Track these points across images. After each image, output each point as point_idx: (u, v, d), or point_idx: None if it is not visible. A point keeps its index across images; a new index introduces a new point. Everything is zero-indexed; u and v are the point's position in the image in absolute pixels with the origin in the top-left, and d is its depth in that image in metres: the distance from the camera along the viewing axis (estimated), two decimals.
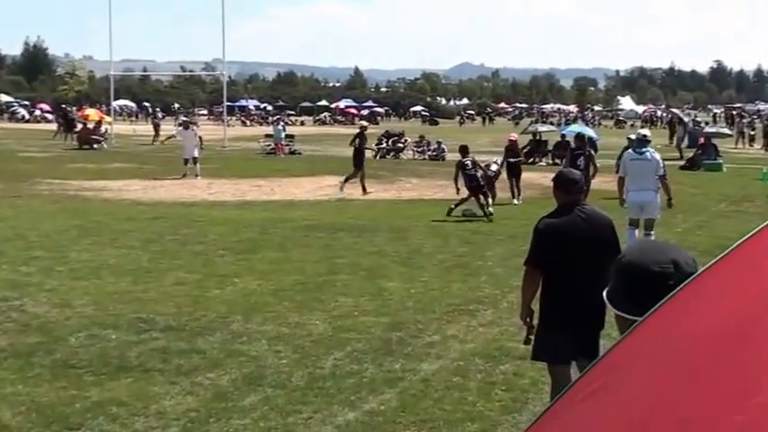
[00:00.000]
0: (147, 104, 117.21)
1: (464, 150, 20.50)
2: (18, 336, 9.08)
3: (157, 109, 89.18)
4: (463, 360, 8.47)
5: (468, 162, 20.03)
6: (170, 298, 10.88)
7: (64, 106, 73.90)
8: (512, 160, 23.55)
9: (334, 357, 8.47)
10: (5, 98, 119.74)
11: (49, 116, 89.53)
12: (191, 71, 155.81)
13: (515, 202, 22.52)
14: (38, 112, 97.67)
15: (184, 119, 45.14)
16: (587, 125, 64.26)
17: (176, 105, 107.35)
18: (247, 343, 8.92)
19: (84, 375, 7.84)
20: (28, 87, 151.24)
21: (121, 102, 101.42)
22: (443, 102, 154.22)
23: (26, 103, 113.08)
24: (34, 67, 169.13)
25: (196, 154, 30.32)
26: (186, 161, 30.16)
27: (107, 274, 12.41)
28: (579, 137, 20.74)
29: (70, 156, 40.16)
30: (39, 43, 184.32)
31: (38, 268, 12.66)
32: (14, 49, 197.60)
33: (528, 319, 6.59)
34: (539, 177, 26.37)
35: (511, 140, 24.43)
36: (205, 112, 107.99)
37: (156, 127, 52.15)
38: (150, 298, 10.91)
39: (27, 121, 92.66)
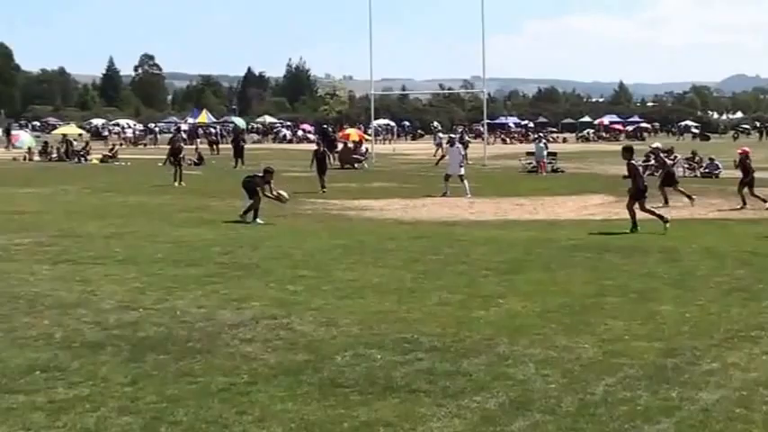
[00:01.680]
0: (407, 122, 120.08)
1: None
2: (286, 354, 9.46)
3: (438, 126, 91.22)
4: (746, 390, 8.10)
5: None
6: (434, 318, 11.04)
7: (325, 126, 76.90)
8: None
9: (605, 383, 8.31)
10: (270, 119, 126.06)
11: (311, 136, 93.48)
12: (449, 89, 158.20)
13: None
14: (300, 133, 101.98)
15: (452, 135, 46.13)
16: None
17: (435, 124, 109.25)
18: (514, 366, 8.90)
19: (350, 395, 8.07)
20: (290, 108, 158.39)
21: (381, 121, 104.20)
22: (715, 116, 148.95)
23: (289, 123, 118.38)
24: (297, 89, 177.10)
25: (462, 171, 30.88)
26: (447, 177, 30.74)
27: (371, 293, 12.75)
28: None
29: (331, 175, 41.61)
30: (301, 65, 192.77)
31: (304, 287, 13.17)
32: (278, 71, 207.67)
33: None
34: None
35: (743, 152, 27.87)
36: (461, 129, 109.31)
37: (439, 146, 53.23)
38: (414, 318, 11.11)
39: (290, 142, 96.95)
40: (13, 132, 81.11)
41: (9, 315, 11.18)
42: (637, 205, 20.40)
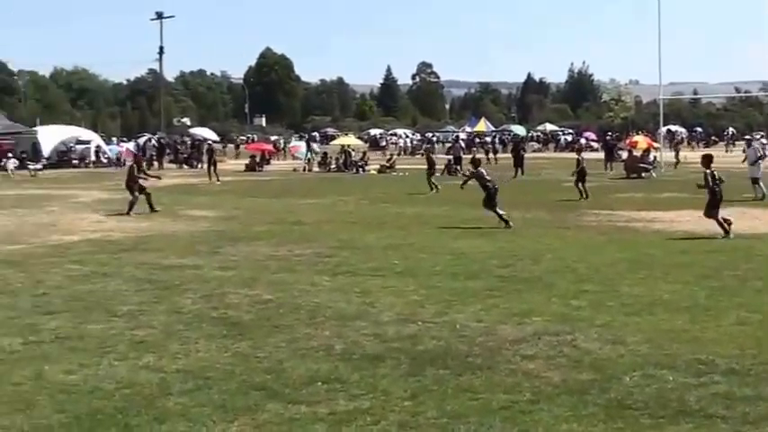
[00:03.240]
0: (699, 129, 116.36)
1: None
2: (570, 372, 9.38)
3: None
4: None
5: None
6: (731, 338, 10.62)
7: (609, 134, 75.78)
8: None
9: None
10: (551, 127, 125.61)
11: (594, 144, 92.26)
12: (746, 92, 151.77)
13: None
14: (583, 141, 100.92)
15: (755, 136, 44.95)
16: None
17: (731, 130, 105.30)
18: None
19: (640, 418, 7.90)
20: (573, 115, 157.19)
21: (670, 127, 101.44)
22: None
23: (571, 131, 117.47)
24: (579, 94, 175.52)
25: (756, 174, 30.39)
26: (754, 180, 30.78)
27: (661, 310, 12.43)
28: None
29: (616, 185, 41.02)
30: (583, 69, 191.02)
31: (588, 302, 13.02)
32: (559, 77, 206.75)
33: None
34: None
35: None
36: (761, 135, 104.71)
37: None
38: (709, 338, 10.73)
39: (571, 150, 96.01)
40: (293, 144, 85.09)
41: (291, 325, 11.73)
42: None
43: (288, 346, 10.65)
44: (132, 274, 16.17)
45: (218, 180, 46.31)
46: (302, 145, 77.05)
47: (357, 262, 17.29)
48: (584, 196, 32.17)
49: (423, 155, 46.17)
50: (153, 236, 22.39)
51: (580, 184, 32.87)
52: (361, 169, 57.79)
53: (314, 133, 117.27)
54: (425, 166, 40.25)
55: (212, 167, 48.50)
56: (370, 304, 13.07)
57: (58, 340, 11.13)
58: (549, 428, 7.67)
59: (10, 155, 58.73)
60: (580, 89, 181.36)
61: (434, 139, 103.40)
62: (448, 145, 66.05)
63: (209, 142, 69.73)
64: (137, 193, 28.88)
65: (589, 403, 8.31)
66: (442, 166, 50.81)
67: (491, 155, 68.47)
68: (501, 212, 23.66)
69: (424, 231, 22.79)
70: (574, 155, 40.13)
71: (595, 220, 25.53)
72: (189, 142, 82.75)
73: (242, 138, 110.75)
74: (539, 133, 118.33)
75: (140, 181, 29.41)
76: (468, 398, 8.50)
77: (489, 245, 19.72)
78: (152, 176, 30.90)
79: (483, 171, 25.17)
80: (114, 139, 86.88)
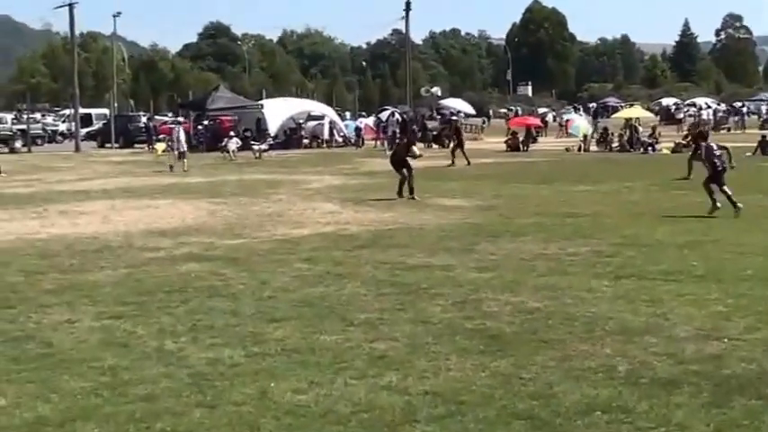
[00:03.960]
0: None
1: None
2: None
3: None
4: None
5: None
6: None
7: None
8: None
9: None
10: None
11: None
12: None
13: None
14: None
15: None
16: None
17: None
18: None
19: None
20: None
21: None
22: None
23: None
24: None
25: None
26: None
27: None
28: None
29: None
30: None
31: None
32: None
33: None
34: None
35: None
36: None
37: None
38: None
39: None
40: (568, 117, 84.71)
41: (563, 340, 11.64)
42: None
43: (559, 365, 10.58)
44: (372, 276, 16.47)
45: (453, 163, 46.99)
46: (578, 118, 76.58)
47: (645, 263, 17.02)
48: None
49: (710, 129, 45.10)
50: (396, 229, 22.76)
51: None
52: (650, 148, 56.84)
53: (591, 104, 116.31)
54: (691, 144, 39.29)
55: (460, 147, 49.18)
56: (661, 316, 12.83)
57: (285, 353, 11.43)
58: None
59: (232, 133, 59.67)
60: None
61: (744, 109, 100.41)
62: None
63: (456, 118, 70.40)
64: (404, 171, 30.47)
65: None
66: (755, 144, 49.46)
67: None
68: (729, 192, 24.16)
69: (730, 225, 22.18)
70: None
71: None
72: (440, 116, 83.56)
73: (501, 111, 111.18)
74: None
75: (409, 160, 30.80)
76: None
77: None
78: (416, 156, 31.84)
79: (713, 145, 24.90)
80: (348, 113, 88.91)
